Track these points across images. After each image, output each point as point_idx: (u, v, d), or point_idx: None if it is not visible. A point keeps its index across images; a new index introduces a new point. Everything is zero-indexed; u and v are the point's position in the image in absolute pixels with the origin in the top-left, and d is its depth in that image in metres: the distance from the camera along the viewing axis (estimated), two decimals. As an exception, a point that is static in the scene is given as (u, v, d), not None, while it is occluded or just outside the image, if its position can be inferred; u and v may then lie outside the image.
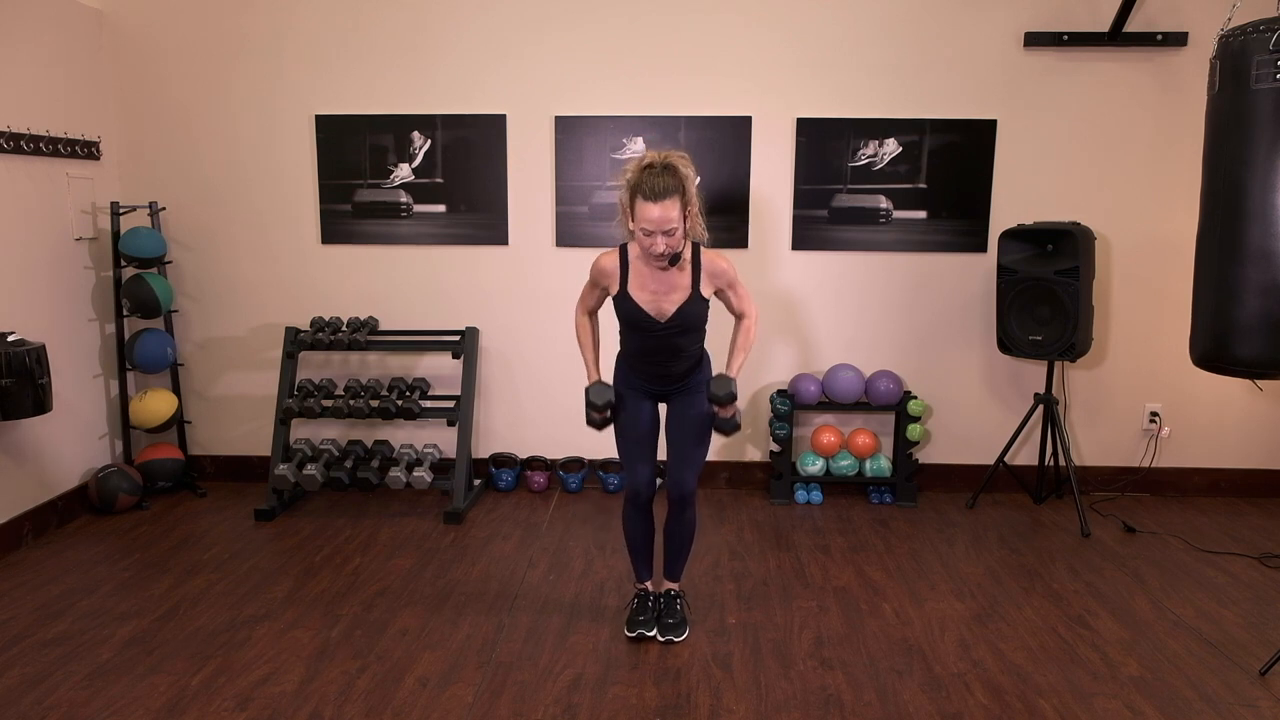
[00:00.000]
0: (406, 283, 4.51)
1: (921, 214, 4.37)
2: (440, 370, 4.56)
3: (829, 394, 4.39)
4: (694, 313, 2.82)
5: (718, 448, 4.55)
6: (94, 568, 3.58)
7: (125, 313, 4.26)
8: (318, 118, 4.37)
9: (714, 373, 2.95)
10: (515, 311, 4.52)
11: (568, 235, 4.43)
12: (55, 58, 4.01)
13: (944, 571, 3.60)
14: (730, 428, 2.93)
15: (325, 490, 4.46)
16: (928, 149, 4.32)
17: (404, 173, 4.41)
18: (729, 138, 4.33)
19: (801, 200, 4.38)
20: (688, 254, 2.80)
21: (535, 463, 4.60)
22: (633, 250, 2.82)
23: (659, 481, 3.17)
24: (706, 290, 2.83)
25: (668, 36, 4.28)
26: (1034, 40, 4.21)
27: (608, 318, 2.96)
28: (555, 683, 2.76)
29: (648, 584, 3.11)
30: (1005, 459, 4.37)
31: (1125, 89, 4.26)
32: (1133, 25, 4.17)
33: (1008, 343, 4.20)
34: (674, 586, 3.11)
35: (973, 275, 4.43)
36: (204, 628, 3.08)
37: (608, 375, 3.01)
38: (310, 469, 4.10)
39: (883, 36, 4.26)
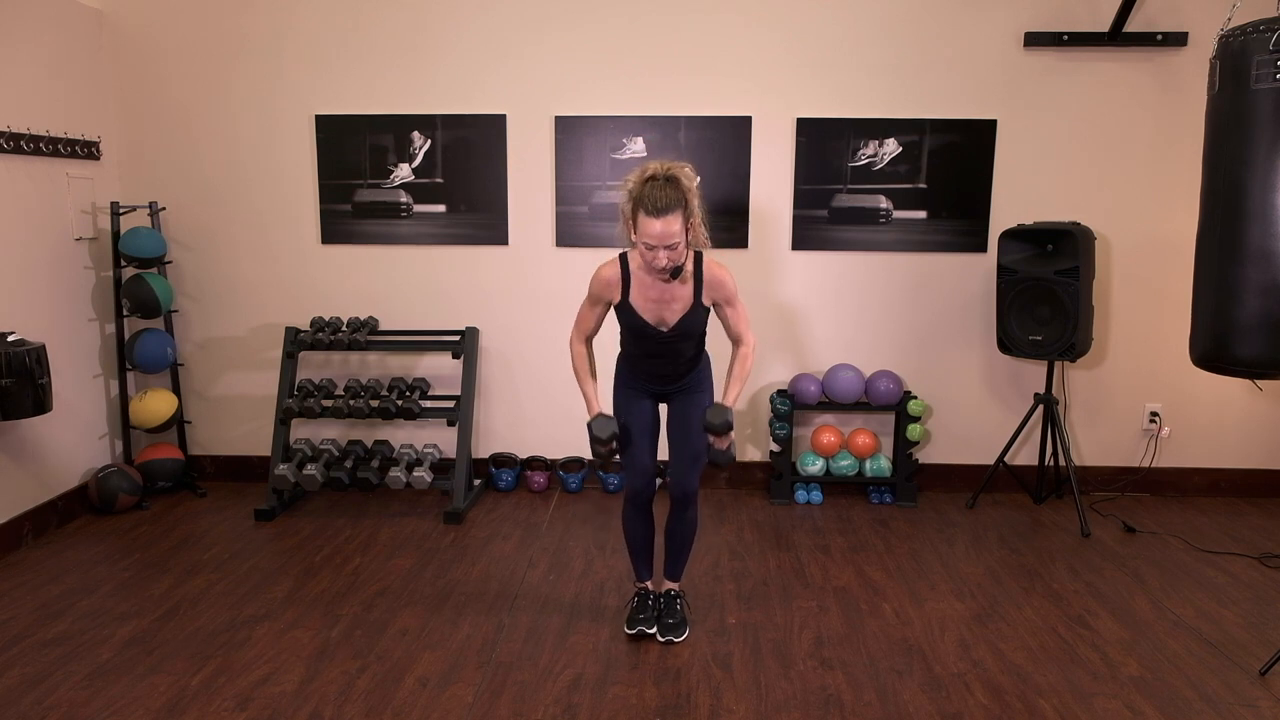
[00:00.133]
0: (406, 283, 4.51)
1: (921, 214, 4.37)
2: (440, 370, 4.56)
3: (829, 394, 4.39)
4: (696, 321, 2.82)
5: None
6: (94, 568, 3.58)
7: (125, 313, 4.26)
8: (318, 118, 4.37)
9: (713, 373, 2.95)
10: (515, 311, 4.52)
11: (568, 235, 4.43)
12: (55, 58, 4.01)
13: (944, 571, 3.60)
14: (725, 460, 2.85)
15: (325, 490, 4.46)
16: (928, 149, 4.32)
17: (404, 173, 4.41)
18: (729, 138, 4.33)
19: (801, 200, 4.38)
20: (690, 265, 2.78)
21: (535, 463, 4.61)
22: (634, 259, 2.80)
23: (659, 481, 3.16)
24: (707, 300, 2.82)
25: (668, 36, 4.28)
26: (1034, 40, 4.21)
27: (606, 328, 2.94)
28: (555, 683, 2.76)
29: (648, 583, 3.11)
30: (1005, 459, 4.37)
31: (1125, 89, 4.26)
32: (1133, 25, 4.17)
33: (1008, 343, 4.20)
34: (674, 586, 3.11)
35: (973, 275, 4.43)
36: (204, 628, 3.08)
37: (606, 389, 2.97)
38: (310, 469, 4.10)
39: (883, 36, 4.26)
